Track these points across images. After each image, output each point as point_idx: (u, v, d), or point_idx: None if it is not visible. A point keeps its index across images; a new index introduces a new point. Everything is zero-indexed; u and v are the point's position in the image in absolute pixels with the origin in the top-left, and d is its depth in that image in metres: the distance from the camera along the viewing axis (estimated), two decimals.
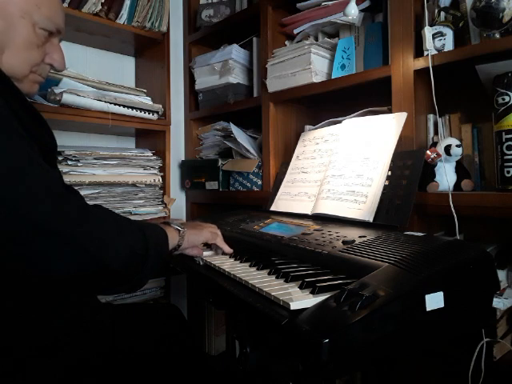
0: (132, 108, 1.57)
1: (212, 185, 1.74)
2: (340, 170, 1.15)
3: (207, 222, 1.09)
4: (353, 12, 1.16)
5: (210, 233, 0.98)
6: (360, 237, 0.86)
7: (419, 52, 1.11)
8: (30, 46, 0.78)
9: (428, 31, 1.07)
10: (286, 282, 0.71)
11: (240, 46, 1.69)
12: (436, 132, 1.19)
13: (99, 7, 1.48)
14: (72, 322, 0.79)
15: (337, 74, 1.34)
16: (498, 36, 0.99)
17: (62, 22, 0.84)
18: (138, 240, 0.72)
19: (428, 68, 1.06)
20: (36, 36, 0.78)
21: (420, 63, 1.09)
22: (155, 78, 1.78)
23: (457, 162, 1.09)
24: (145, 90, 1.70)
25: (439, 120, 1.15)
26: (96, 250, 0.64)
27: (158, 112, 1.66)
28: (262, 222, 1.18)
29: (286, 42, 1.56)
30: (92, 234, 0.64)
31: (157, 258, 0.75)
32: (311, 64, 1.34)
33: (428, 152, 1.05)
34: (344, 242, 0.84)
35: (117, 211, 1.54)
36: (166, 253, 0.85)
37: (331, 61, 1.38)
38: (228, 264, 0.89)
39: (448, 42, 1.08)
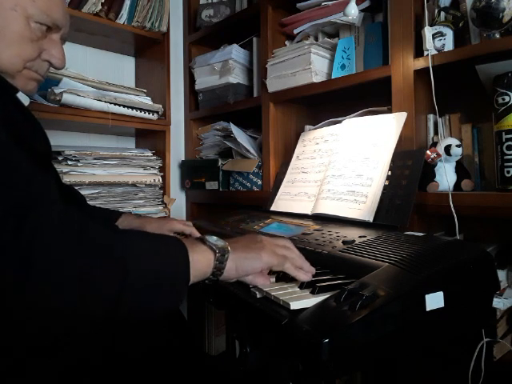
0: (132, 108, 1.57)
1: (212, 185, 1.74)
2: (340, 170, 1.15)
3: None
4: (353, 12, 1.16)
5: (275, 255, 0.66)
6: (360, 237, 0.85)
7: (419, 52, 1.11)
8: (22, 39, 0.75)
9: (428, 31, 1.07)
10: (286, 282, 0.71)
11: (240, 45, 1.69)
12: (436, 132, 1.19)
13: (99, 7, 1.48)
14: None
15: (337, 74, 1.34)
16: (498, 36, 0.99)
17: (60, 16, 0.81)
18: (101, 286, 0.50)
19: (428, 68, 1.06)
20: (30, 30, 0.76)
21: (420, 63, 1.09)
22: (155, 78, 1.78)
23: (457, 162, 1.09)
24: (145, 90, 1.70)
25: (439, 120, 1.15)
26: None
27: (158, 112, 1.66)
28: (262, 221, 1.18)
29: (286, 42, 1.56)
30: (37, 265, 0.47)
31: (148, 304, 0.53)
32: (311, 64, 1.34)
33: (428, 152, 1.05)
34: (344, 242, 0.84)
35: None
36: (178, 290, 0.57)
37: (331, 61, 1.38)
38: None
39: (448, 42, 1.08)
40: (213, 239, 0.62)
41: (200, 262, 0.58)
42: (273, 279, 0.71)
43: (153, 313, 0.56)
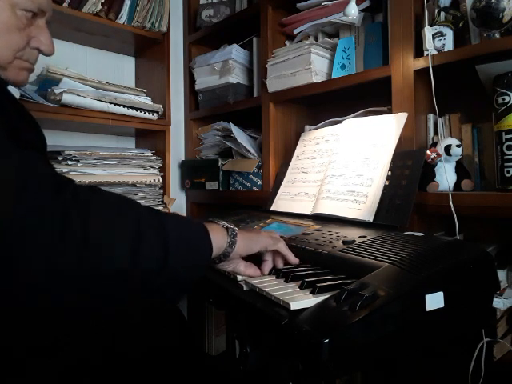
0: (132, 108, 1.57)
1: (212, 185, 1.74)
2: (340, 170, 1.15)
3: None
4: (353, 12, 1.16)
5: (271, 237, 0.78)
6: (360, 237, 0.85)
7: (419, 52, 1.11)
8: (10, 29, 0.74)
9: (428, 31, 1.07)
10: (286, 281, 0.71)
11: (240, 46, 1.69)
12: (436, 132, 1.19)
13: (99, 7, 1.48)
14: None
15: (337, 74, 1.34)
16: (498, 36, 0.99)
17: (44, 0, 0.79)
18: (152, 245, 0.55)
19: (428, 68, 1.06)
20: (16, 18, 0.74)
21: (420, 63, 1.09)
22: (155, 78, 1.78)
23: (457, 162, 1.09)
24: (145, 90, 1.70)
25: (439, 120, 1.15)
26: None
27: (158, 112, 1.66)
28: (262, 221, 1.18)
29: (286, 42, 1.56)
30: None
31: (184, 270, 0.59)
32: (311, 64, 1.34)
33: (428, 152, 1.05)
34: (344, 242, 0.84)
35: None
36: (206, 260, 0.64)
37: (331, 61, 1.38)
38: None
39: (448, 42, 1.08)
40: (221, 222, 0.71)
41: (218, 238, 0.67)
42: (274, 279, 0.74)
43: (187, 281, 0.61)
